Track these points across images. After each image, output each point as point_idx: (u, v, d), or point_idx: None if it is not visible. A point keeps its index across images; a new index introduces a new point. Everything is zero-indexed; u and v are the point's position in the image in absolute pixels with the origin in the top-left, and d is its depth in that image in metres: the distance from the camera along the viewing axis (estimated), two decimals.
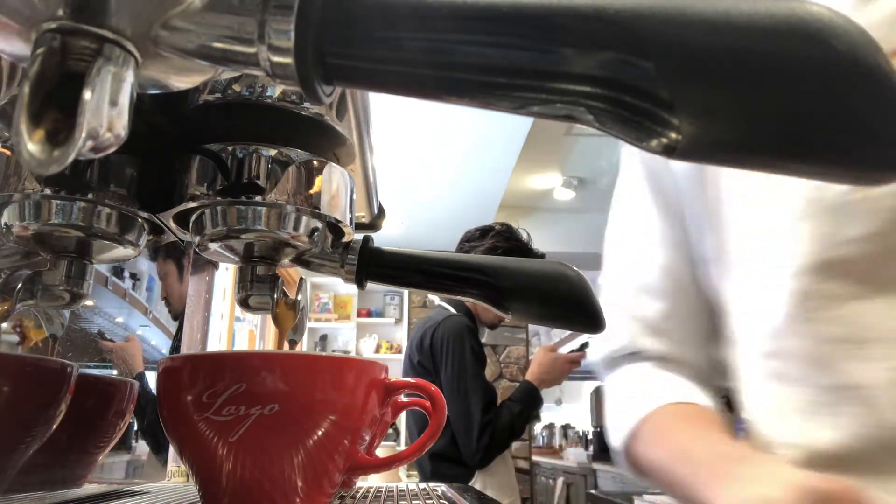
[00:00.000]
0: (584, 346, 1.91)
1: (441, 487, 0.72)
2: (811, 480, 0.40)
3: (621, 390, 0.67)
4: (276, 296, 0.43)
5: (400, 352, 4.80)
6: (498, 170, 3.49)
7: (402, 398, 0.54)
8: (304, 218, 0.40)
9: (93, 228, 0.38)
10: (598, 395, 4.86)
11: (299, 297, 0.45)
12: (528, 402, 1.74)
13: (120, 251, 0.41)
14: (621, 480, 3.96)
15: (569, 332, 5.08)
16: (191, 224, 0.41)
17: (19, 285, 0.39)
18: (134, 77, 0.22)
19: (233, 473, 0.37)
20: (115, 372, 0.64)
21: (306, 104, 0.38)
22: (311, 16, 0.21)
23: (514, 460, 2.36)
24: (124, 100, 0.21)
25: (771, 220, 0.54)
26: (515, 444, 1.76)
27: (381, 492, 0.67)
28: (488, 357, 2.44)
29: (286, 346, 0.46)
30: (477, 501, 0.63)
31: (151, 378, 0.67)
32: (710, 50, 0.19)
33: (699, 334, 0.65)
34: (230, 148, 0.38)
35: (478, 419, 1.63)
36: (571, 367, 1.83)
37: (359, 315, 4.97)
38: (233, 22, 0.22)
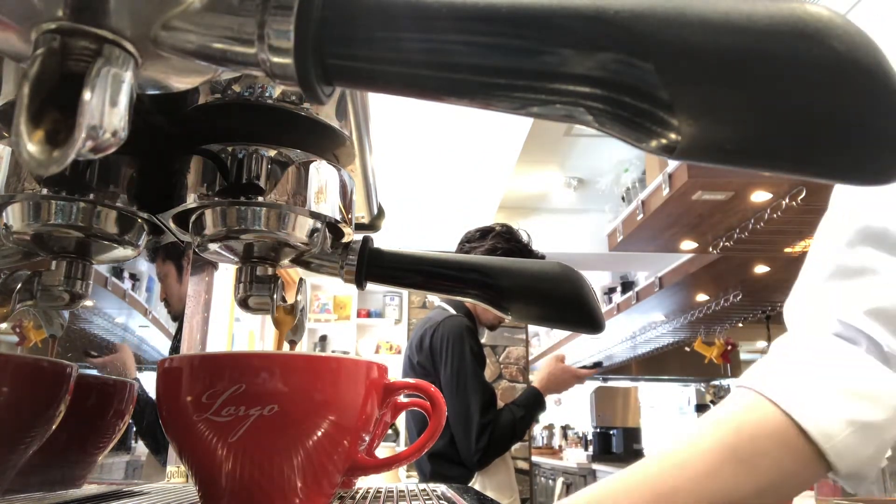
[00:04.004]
0: (597, 364, 1.92)
1: (441, 488, 0.72)
2: None
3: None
4: (275, 296, 0.43)
5: (399, 352, 4.80)
6: (498, 170, 3.49)
7: (402, 399, 0.54)
8: (304, 218, 0.40)
9: (92, 229, 0.38)
10: (597, 396, 4.86)
11: (299, 298, 0.45)
12: (533, 407, 1.74)
13: (119, 252, 0.41)
14: None
15: (569, 332, 5.08)
16: (190, 224, 0.41)
17: (19, 286, 0.39)
18: (133, 77, 0.22)
19: (232, 474, 0.37)
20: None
21: (306, 105, 0.38)
22: (310, 16, 0.21)
23: (514, 461, 2.36)
24: (124, 100, 0.21)
25: None
26: (515, 445, 1.76)
27: (381, 492, 0.66)
28: (488, 358, 2.44)
29: (286, 347, 0.46)
30: (476, 502, 0.63)
31: (150, 380, 0.67)
32: (709, 51, 0.19)
33: None
34: (230, 148, 0.38)
35: (476, 420, 1.63)
36: (577, 382, 1.83)
37: (358, 315, 4.96)
38: (232, 22, 0.22)
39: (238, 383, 0.35)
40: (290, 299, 0.44)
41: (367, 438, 0.42)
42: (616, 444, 4.69)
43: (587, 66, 0.19)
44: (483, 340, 1.83)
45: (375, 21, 0.21)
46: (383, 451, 2.11)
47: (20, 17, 0.21)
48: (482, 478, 1.70)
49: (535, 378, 1.83)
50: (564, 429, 6.88)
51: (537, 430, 6.75)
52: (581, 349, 6.61)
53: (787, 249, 2.80)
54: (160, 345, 0.75)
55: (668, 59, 0.19)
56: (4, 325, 0.48)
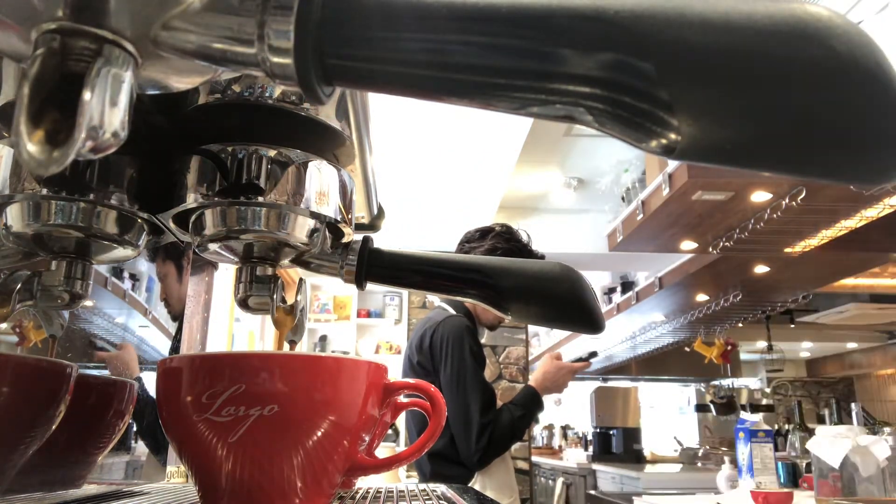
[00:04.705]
0: (592, 354, 1.91)
1: (441, 488, 0.72)
2: None
3: None
4: (275, 296, 0.43)
5: (399, 352, 4.80)
6: (498, 170, 3.49)
7: (402, 399, 0.54)
8: (304, 218, 0.40)
9: (92, 229, 0.38)
10: (597, 396, 4.86)
11: (299, 298, 0.45)
12: (531, 406, 1.74)
13: (119, 252, 0.41)
14: (620, 481, 3.96)
15: (568, 332, 5.07)
16: (190, 224, 0.41)
17: (19, 286, 0.39)
18: (133, 78, 0.22)
19: (232, 474, 0.37)
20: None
21: (306, 105, 0.38)
22: (310, 16, 0.21)
23: (514, 461, 2.36)
24: (124, 100, 0.21)
25: None
26: (515, 445, 1.76)
27: (381, 492, 0.66)
28: (487, 358, 2.43)
29: (286, 347, 0.46)
30: (476, 502, 0.63)
31: (150, 380, 0.67)
32: (709, 51, 0.19)
33: None
34: (230, 148, 0.38)
35: (476, 420, 1.63)
36: (573, 376, 1.83)
37: (358, 316, 4.96)
38: (232, 23, 0.22)
39: (238, 383, 0.35)
40: (290, 299, 0.44)
41: (367, 438, 0.42)
42: (616, 444, 4.69)
43: (587, 66, 0.19)
44: (483, 340, 1.83)
45: (375, 21, 0.21)
46: (383, 451, 2.11)
47: (20, 17, 0.21)
48: (482, 478, 1.70)
49: (533, 378, 1.83)
50: (564, 429, 6.87)
51: (537, 430, 6.75)
52: (580, 349, 6.61)
53: (787, 249, 2.80)
54: (160, 345, 0.75)
55: (668, 60, 0.19)
56: (4, 325, 0.48)
